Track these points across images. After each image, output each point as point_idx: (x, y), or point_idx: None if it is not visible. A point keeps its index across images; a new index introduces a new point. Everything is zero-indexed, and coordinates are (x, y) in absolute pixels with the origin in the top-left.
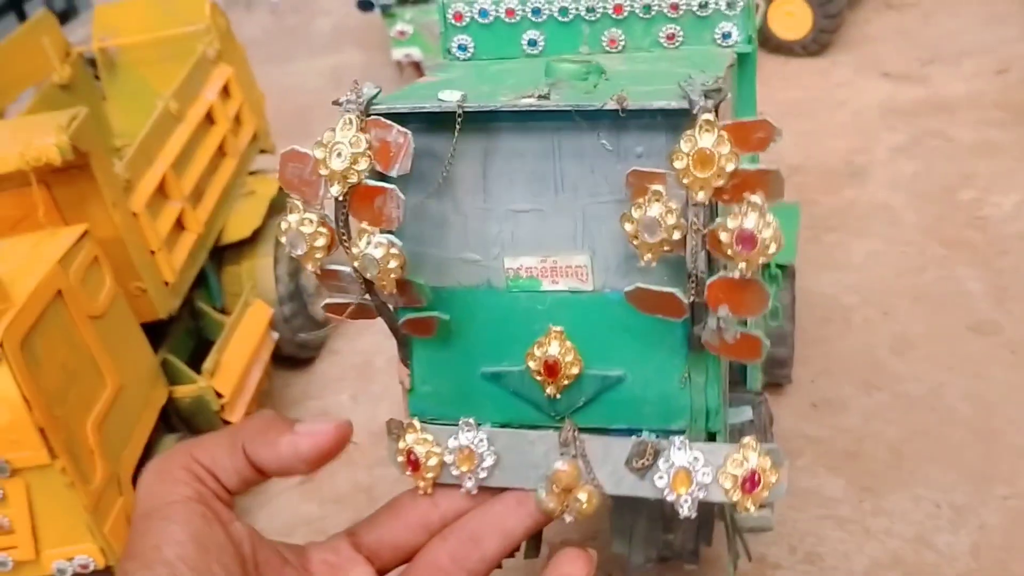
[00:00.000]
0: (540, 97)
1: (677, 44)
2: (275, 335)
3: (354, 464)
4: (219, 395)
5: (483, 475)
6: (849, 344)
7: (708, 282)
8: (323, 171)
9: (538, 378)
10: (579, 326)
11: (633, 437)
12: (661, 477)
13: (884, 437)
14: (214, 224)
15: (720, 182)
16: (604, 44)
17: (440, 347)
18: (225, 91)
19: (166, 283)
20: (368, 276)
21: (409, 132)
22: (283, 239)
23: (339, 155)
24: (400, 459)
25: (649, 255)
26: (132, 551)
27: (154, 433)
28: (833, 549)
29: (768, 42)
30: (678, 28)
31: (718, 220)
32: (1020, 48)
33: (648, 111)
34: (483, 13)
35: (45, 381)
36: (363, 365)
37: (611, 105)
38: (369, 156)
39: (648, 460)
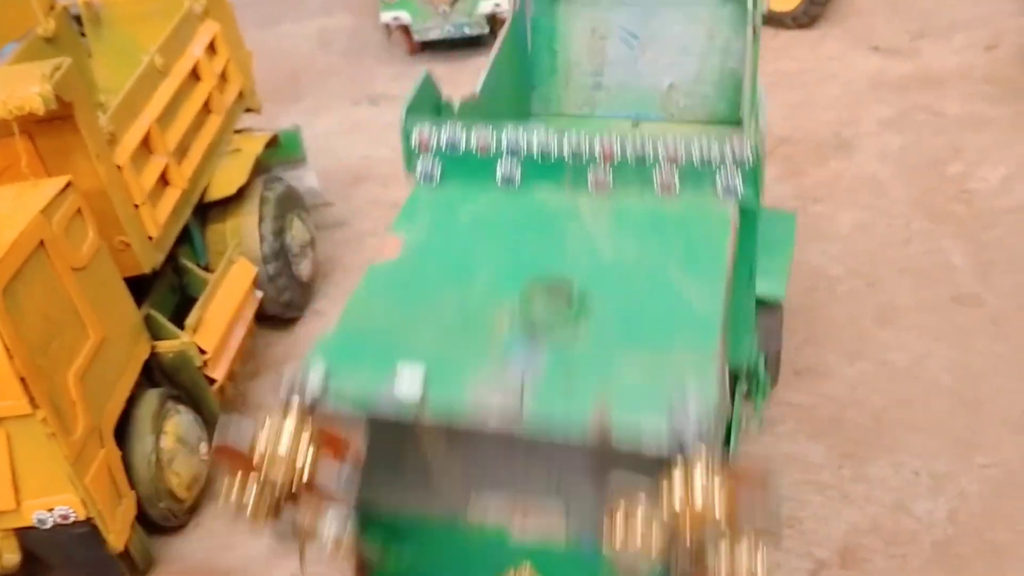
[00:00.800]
0: (513, 413)
1: (673, 192)
2: (259, 293)
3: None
4: (202, 351)
5: None
6: (834, 313)
7: None
8: (263, 476)
9: None
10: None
11: None
12: None
13: (867, 405)
14: (199, 180)
15: (712, 524)
16: (590, 186)
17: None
18: (211, 48)
19: (150, 237)
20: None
21: (355, 435)
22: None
23: (280, 467)
24: None
25: (628, 564)
26: None
27: (136, 387)
28: (812, 514)
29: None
30: (675, 177)
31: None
32: (1010, 23)
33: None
34: (452, 145)
35: (27, 331)
36: None
37: (592, 433)
38: (314, 461)
39: None
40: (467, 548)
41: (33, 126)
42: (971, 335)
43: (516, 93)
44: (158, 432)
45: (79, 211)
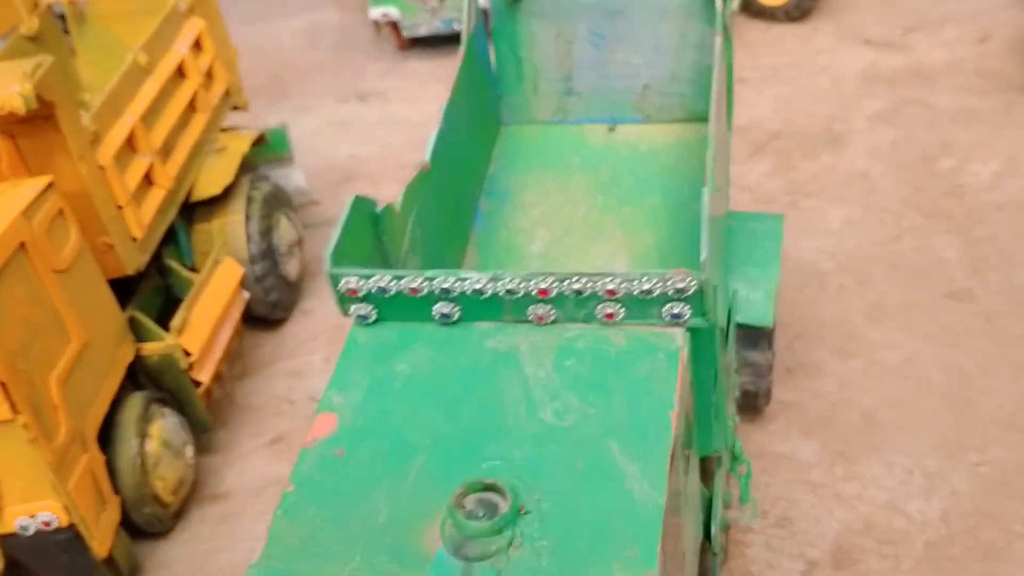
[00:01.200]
0: None
1: (618, 320)
2: (246, 294)
3: None
4: (187, 353)
5: None
6: (825, 310)
7: None
8: None
9: None
10: None
11: None
12: None
13: (858, 403)
14: (184, 180)
15: None
16: (530, 318)
17: None
18: (197, 45)
19: (134, 239)
20: None
21: None
22: None
23: None
24: None
25: None
26: None
27: (120, 391)
28: (804, 514)
29: (750, 7)
30: (619, 307)
31: None
32: (1002, 16)
33: None
34: (380, 291)
35: (7, 334)
36: (335, 327)
37: None
38: None
39: None
40: None
41: (14, 126)
42: (962, 333)
43: (481, 112)
44: (143, 436)
45: (61, 212)
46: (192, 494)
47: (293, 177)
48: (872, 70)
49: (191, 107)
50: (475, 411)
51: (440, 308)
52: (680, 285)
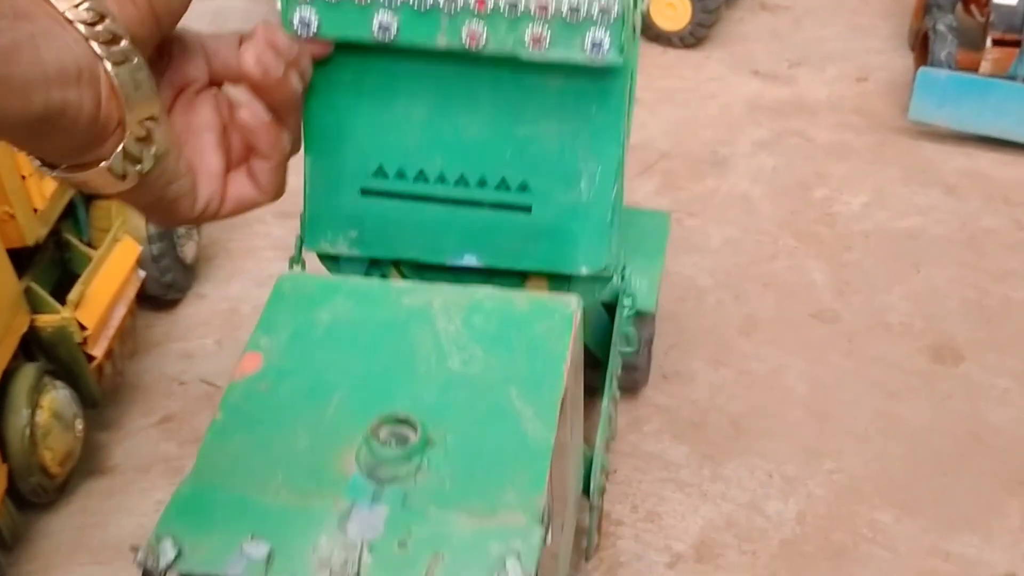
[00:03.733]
0: None
1: (543, 48)
2: (142, 273)
3: (215, 407)
4: (82, 327)
5: None
6: (701, 322)
7: None
8: None
9: None
10: None
11: None
12: None
13: (727, 410)
14: None
15: None
16: (464, 39)
17: None
18: None
19: (35, 210)
20: None
21: None
22: None
23: None
24: None
25: None
26: None
27: (13, 361)
28: (672, 509)
29: (648, 30)
30: (545, 30)
31: None
32: (879, 59)
33: None
34: None
35: None
36: (229, 312)
37: None
38: None
39: None
40: None
41: None
42: (825, 349)
43: None
44: (34, 407)
45: None
46: (79, 468)
47: None
48: (758, 100)
49: None
50: (390, 359)
51: (380, 18)
52: (604, 3)
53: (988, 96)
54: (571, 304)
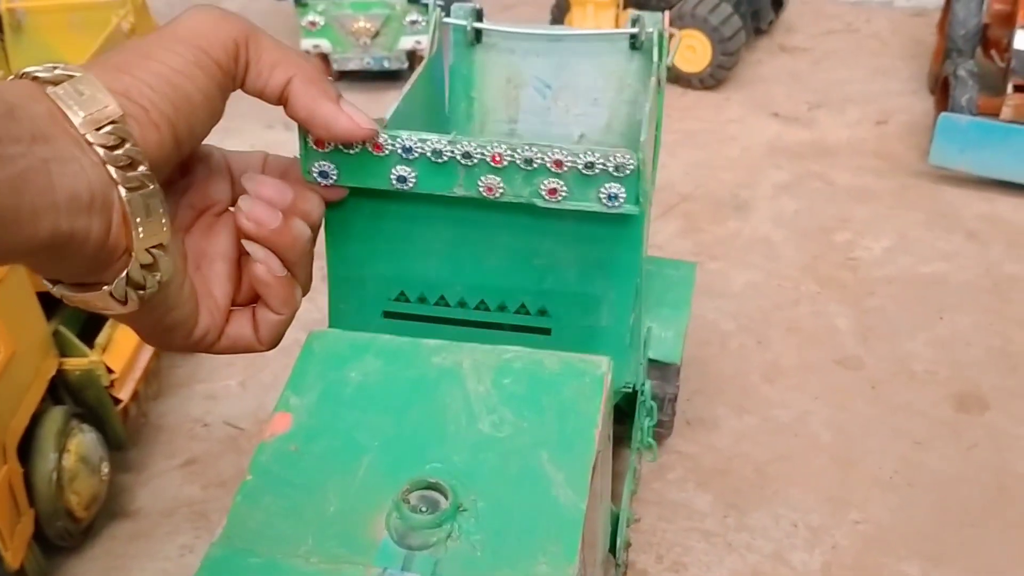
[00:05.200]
0: None
1: (559, 199)
2: None
3: (239, 450)
4: (110, 371)
5: None
6: (724, 368)
7: None
8: None
9: None
10: None
11: None
12: None
13: (751, 457)
14: None
15: None
16: (481, 190)
17: None
18: None
19: None
20: None
21: None
22: None
23: None
24: None
25: None
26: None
27: (41, 404)
28: (697, 560)
29: (668, 72)
30: (561, 184)
31: None
32: (900, 101)
33: None
34: (344, 147)
35: None
36: (254, 354)
37: None
38: None
39: None
40: None
41: None
42: (849, 396)
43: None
44: (61, 450)
45: None
46: (103, 511)
47: None
48: (778, 142)
49: None
50: (420, 420)
51: (398, 171)
52: (620, 160)
53: (1009, 141)
54: (602, 366)
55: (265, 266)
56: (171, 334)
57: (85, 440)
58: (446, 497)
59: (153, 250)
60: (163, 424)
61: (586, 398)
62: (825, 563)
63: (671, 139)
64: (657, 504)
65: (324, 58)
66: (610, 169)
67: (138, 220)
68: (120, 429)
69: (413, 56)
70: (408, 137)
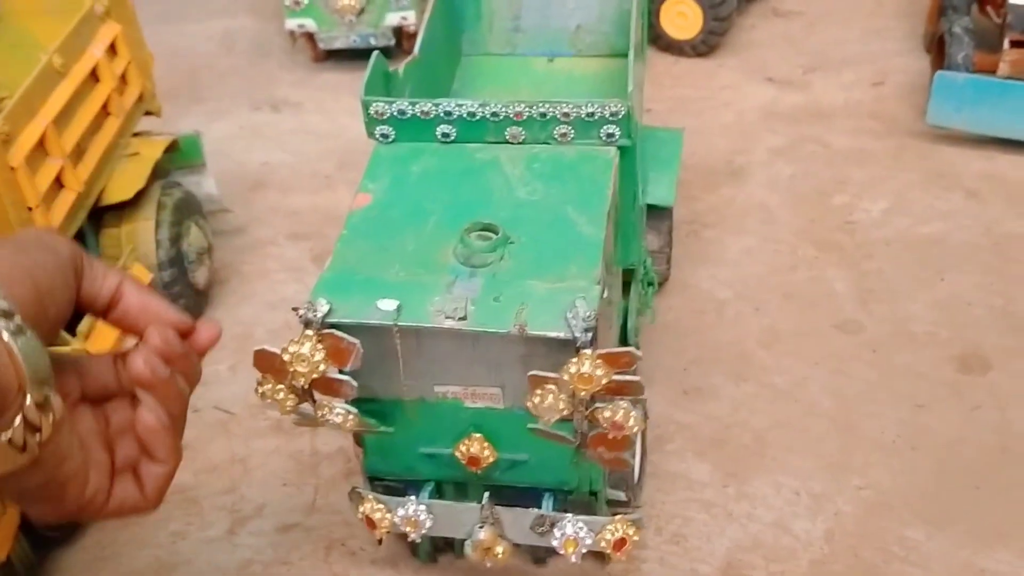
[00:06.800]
0: (460, 320)
1: (570, 140)
2: None
3: (230, 434)
4: None
5: (424, 530)
6: (721, 336)
7: (590, 435)
8: (291, 369)
9: (464, 463)
10: (494, 428)
11: (534, 511)
12: (556, 540)
13: (750, 425)
14: (95, 184)
15: (596, 388)
16: (507, 137)
17: (388, 437)
18: (112, 49)
19: None
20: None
21: (357, 341)
22: (261, 401)
23: (304, 362)
24: (360, 517)
25: (545, 420)
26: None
27: None
28: (697, 531)
29: (659, 40)
30: (570, 128)
31: (596, 404)
32: (896, 62)
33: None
34: (401, 112)
35: None
36: (243, 336)
37: (514, 332)
38: (326, 360)
39: (546, 528)
40: (432, 419)
41: None
42: (849, 361)
43: (449, 40)
44: None
45: None
46: None
47: (204, 184)
48: (773, 107)
49: (104, 111)
50: (471, 193)
51: (442, 128)
52: (614, 109)
53: (1007, 98)
54: (611, 152)
55: (155, 414)
56: (63, 492)
57: None
58: (497, 233)
59: (44, 387)
60: None
61: (600, 171)
62: (828, 530)
63: (664, 108)
64: (655, 476)
65: (309, 37)
66: (607, 115)
67: (25, 358)
68: None
69: (400, 32)
70: (448, 103)
